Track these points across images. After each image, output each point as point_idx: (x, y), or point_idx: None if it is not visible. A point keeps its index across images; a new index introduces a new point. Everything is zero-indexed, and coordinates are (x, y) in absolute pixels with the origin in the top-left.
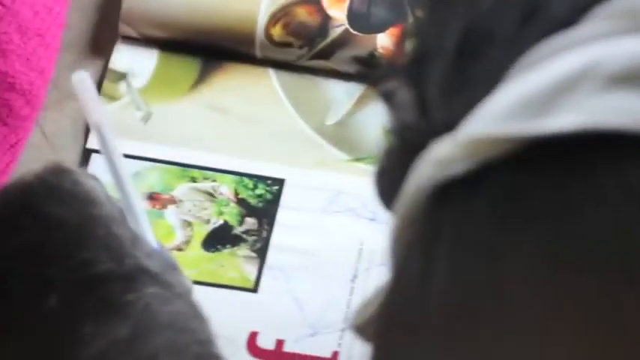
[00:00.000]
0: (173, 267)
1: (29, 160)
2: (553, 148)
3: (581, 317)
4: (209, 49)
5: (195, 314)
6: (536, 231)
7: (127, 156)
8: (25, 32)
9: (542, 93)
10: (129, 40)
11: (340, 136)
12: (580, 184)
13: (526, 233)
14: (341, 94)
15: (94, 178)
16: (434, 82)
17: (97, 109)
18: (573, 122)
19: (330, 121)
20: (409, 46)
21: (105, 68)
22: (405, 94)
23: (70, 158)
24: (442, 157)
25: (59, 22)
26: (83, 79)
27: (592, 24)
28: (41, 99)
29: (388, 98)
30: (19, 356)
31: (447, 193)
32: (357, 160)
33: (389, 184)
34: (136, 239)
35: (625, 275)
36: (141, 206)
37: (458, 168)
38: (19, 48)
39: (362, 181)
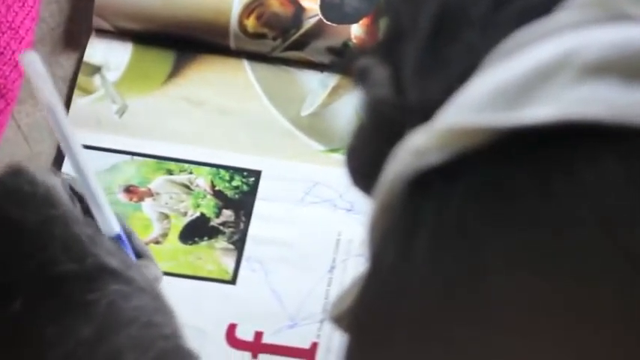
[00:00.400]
0: (140, 254)
1: (5, 155)
2: (530, 139)
3: (562, 313)
4: (183, 41)
5: (160, 308)
6: (515, 222)
7: (102, 149)
8: None
9: (518, 83)
10: (103, 33)
11: (315, 127)
12: (558, 175)
13: (504, 225)
14: (315, 85)
15: (56, 174)
16: (408, 61)
17: (49, 90)
18: (550, 113)
19: (305, 112)
20: (383, 24)
21: (79, 61)
22: (380, 71)
23: (46, 151)
24: (419, 146)
25: (32, 15)
26: (33, 61)
27: (566, 12)
28: (15, 92)
29: (363, 75)
30: None
31: (425, 182)
32: (333, 150)
33: (361, 162)
34: (97, 236)
35: (605, 267)
36: (101, 191)
37: (434, 158)
38: None
39: (338, 171)
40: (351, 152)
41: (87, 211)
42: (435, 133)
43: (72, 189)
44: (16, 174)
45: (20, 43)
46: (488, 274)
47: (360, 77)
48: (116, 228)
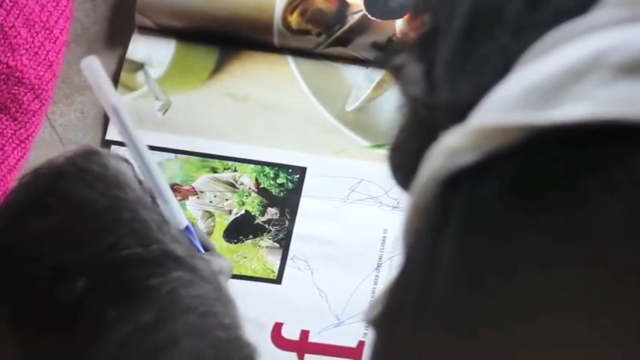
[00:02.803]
0: (206, 247)
1: (39, 155)
2: (562, 138)
3: (597, 311)
4: (226, 39)
5: (222, 298)
6: (546, 221)
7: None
8: (33, 26)
9: (552, 82)
10: (145, 30)
11: (360, 123)
12: (589, 174)
13: (536, 224)
14: (360, 80)
15: (126, 160)
16: (441, 60)
17: (111, 92)
18: (583, 112)
19: (350, 107)
20: (420, 22)
21: (121, 60)
22: (414, 69)
23: None
24: (451, 147)
25: (66, 14)
26: (92, 65)
27: (601, 12)
28: (50, 93)
29: (398, 72)
30: (45, 341)
31: (457, 183)
32: (378, 146)
33: (402, 160)
34: (163, 223)
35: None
36: (167, 187)
37: (467, 157)
38: (26, 42)
39: (383, 167)
40: (392, 149)
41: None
42: (467, 133)
43: (140, 183)
44: (88, 155)
45: (54, 42)
46: (517, 275)
47: (395, 74)
48: (184, 221)
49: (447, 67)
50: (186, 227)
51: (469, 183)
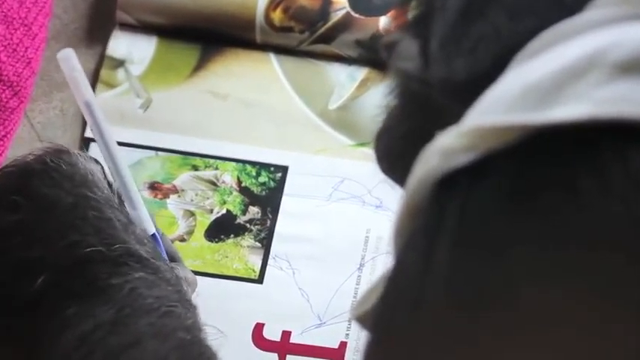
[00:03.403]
0: (173, 258)
1: (18, 154)
2: (558, 137)
3: (593, 314)
4: (208, 35)
5: (183, 300)
6: (543, 221)
7: (126, 144)
8: (11, 22)
9: (549, 81)
10: (126, 27)
11: (343, 121)
12: (586, 174)
13: (532, 224)
14: (343, 78)
15: (96, 161)
16: (437, 37)
17: (85, 86)
18: (581, 112)
19: (333, 105)
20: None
21: (101, 56)
22: (410, 45)
23: None
24: (446, 147)
25: (45, 11)
26: (68, 57)
27: (597, 10)
28: (29, 90)
29: (392, 48)
30: (4, 336)
31: (451, 183)
32: (362, 144)
33: (389, 144)
34: (129, 225)
35: (635, 275)
36: (136, 191)
37: (463, 158)
38: (4, 39)
39: (367, 166)
40: (379, 133)
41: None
42: (463, 133)
43: (110, 185)
44: (57, 154)
45: (33, 39)
46: (512, 279)
47: (389, 51)
48: (151, 228)
49: (443, 44)
50: (152, 235)
51: (464, 184)
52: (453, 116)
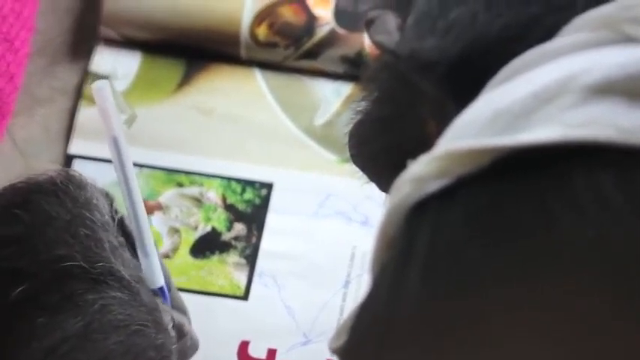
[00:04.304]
0: (179, 310)
1: (0, 169)
2: (529, 160)
3: (563, 336)
4: (192, 51)
5: (155, 323)
6: (514, 246)
7: (110, 161)
8: None
9: (520, 105)
10: (110, 42)
11: (329, 137)
12: (556, 196)
13: (502, 249)
14: (329, 94)
15: (105, 193)
16: (415, 13)
17: (115, 120)
18: (550, 135)
19: (319, 121)
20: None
21: (85, 72)
22: (390, 20)
23: (41, 166)
24: (417, 174)
25: (28, 26)
26: (102, 88)
27: (570, 34)
28: (11, 105)
29: (372, 23)
30: None
31: (423, 212)
32: (347, 160)
33: (359, 130)
34: (119, 248)
35: (609, 286)
36: (149, 233)
37: (434, 185)
38: None
39: (352, 182)
40: (355, 119)
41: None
42: (434, 159)
43: (114, 220)
44: (69, 178)
45: (16, 54)
46: (482, 308)
47: (368, 25)
48: (160, 280)
49: (418, 21)
50: (160, 288)
51: (434, 212)
52: (423, 103)
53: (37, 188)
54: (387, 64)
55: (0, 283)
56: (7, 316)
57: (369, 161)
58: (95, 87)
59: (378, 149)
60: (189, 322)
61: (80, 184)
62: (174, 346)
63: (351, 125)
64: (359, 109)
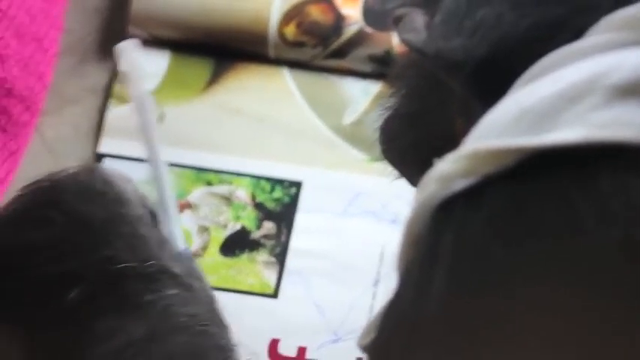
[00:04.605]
0: (198, 274)
1: (29, 169)
2: (555, 161)
3: (588, 340)
4: (221, 50)
5: (216, 320)
6: (538, 246)
7: (139, 160)
8: (23, 37)
9: (546, 105)
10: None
11: (358, 136)
12: (582, 198)
13: (527, 249)
14: (358, 92)
15: (128, 180)
16: (442, 13)
17: (139, 81)
18: (575, 135)
19: (348, 120)
20: None
21: (113, 71)
22: (418, 18)
23: (70, 165)
24: (444, 173)
25: (57, 25)
26: (125, 50)
27: (596, 35)
28: (40, 104)
29: (400, 21)
30: (35, 350)
31: (449, 209)
32: (376, 159)
33: (394, 130)
34: (163, 242)
35: (635, 292)
36: (173, 203)
37: (460, 184)
38: (16, 53)
39: (381, 181)
40: (385, 115)
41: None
42: (460, 158)
43: (144, 206)
44: (91, 172)
45: (45, 54)
46: (509, 309)
47: (396, 23)
48: (181, 243)
49: (445, 20)
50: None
51: (460, 210)
52: (450, 101)
53: (62, 187)
54: (415, 62)
55: (47, 289)
56: (66, 321)
57: (398, 157)
58: (118, 49)
59: (407, 145)
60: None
61: (105, 180)
62: (235, 344)
63: (381, 120)
64: (388, 104)
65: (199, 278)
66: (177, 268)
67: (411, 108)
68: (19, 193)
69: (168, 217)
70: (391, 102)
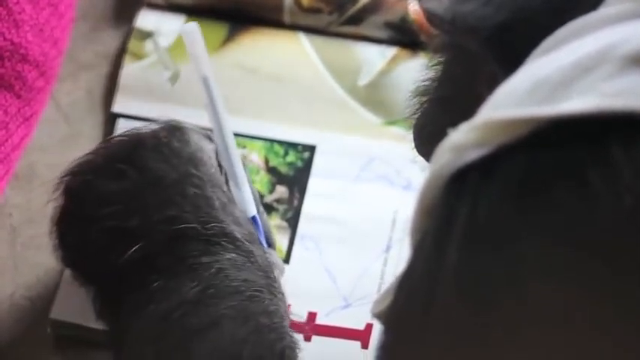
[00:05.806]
0: (269, 243)
1: (44, 135)
2: (568, 131)
3: (603, 307)
4: (236, 16)
5: (271, 287)
6: (552, 215)
7: (152, 120)
8: (38, 2)
9: (560, 76)
10: (154, 7)
11: (373, 98)
12: (595, 167)
13: (541, 218)
14: (374, 55)
15: (210, 139)
16: None
17: (205, 62)
18: (587, 105)
19: (363, 81)
20: None
21: (128, 35)
22: None
23: (86, 131)
24: (459, 143)
25: None
26: (192, 31)
27: (610, 7)
28: (55, 70)
29: None
30: (98, 299)
31: (463, 180)
32: (391, 123)
33: (425, 117)
34: (229, 205)
35: None
36: (242, 171)
37: (474, 154)
38: (31, 18)
39: (396, 146)
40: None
41: None
42: (474, 128)
43: (220, 165)
44: (172, 130)
45: (60, 19)
46: (521, 274)
47: None
48: (252, 210)
49: None
50: (253, 217)
51: (474, 180)
52: (480, 80)
53: (141, 142)
54: (444, 45)
55: (112, 243)
56: (122, 276)
57: (428, 144)
58: (184, 29)
59: (437, 131)
60: (274, 250)
61: (183, 138)
62: (287, 312)
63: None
64: (420, 89)
65: (261, 247)
66: (238, 233)
67: (442, 92)
68: (99, 145)
69: (239, 187)
70: (423, 86)
